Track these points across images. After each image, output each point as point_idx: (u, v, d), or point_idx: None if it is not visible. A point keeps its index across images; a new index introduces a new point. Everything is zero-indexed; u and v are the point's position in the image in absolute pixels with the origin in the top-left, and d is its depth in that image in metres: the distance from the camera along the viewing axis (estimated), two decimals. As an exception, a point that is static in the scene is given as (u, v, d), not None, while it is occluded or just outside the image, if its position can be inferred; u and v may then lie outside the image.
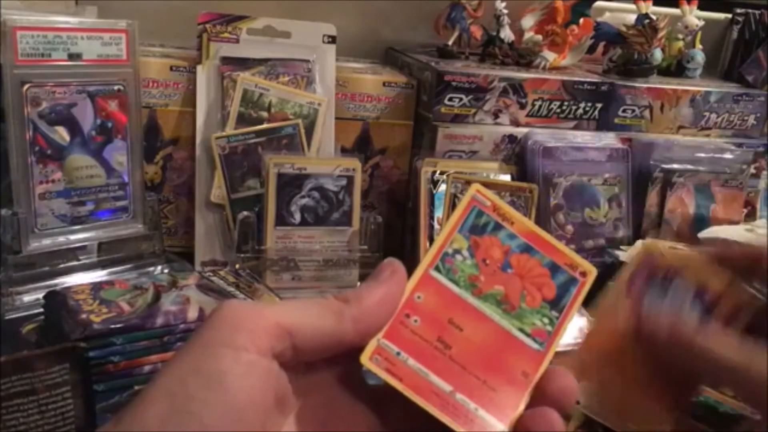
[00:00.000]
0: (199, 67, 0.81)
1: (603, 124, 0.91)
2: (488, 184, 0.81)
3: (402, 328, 0.32)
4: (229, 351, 0.27)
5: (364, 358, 0.31)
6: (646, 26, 0.94)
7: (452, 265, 0.33)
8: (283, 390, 0.29)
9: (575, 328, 0.75)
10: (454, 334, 0.32)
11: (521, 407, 0.31)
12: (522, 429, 0.31)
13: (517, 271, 0.33)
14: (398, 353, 0.31)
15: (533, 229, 0.34)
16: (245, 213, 0.77)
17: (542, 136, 0.86)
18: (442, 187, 0.81)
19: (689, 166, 0.90)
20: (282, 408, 0.29)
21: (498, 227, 0.33)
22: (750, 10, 1.09)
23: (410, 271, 0.33)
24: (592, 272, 0.33)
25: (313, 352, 0.30)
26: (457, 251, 0.33)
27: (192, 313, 0.55)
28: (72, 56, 0.68)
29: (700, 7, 1.01)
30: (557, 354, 0.33)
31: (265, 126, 0.81)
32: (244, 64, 0.82)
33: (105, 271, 0.73)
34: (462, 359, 0.32)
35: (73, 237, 0.71)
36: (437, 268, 0.33)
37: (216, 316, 0.28)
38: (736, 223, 0.90)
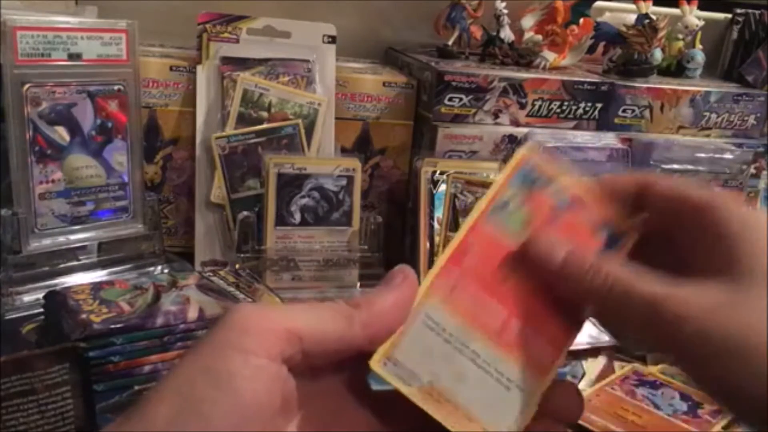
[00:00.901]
0: (199, 67, 0.81)
1: (603, 124, 0.91)
2: (488, 185, 0.81)
3: None
4: (239, 354, 0.27)
5: (374, 363, 0.31)
6: (646, 26, 0.94)
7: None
8: (289, 394, 0.29)
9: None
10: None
11: (532, 411, 0.31)
12: None
13: (564, 228, 0.33)
14: None
15: (581, 187, 0.34)
16: (245, 213, 0.77)
17: (542, 136, 0.86)
18: (442, 187, 0.81)
19: (689, 166, 0.90)
20: (287, 412, 0.29)
21: (547, 183, 0.34)
22: (750, 10, 1.09)
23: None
24: (635, 233, 0.33)
25: (323, 356, 0.30)
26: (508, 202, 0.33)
27: (192, 313, 0.55)
28: (72, 56, 0.68)
29: (700, 7, 1.01)
30: None
31: (265, 126, 0.81)
32: (244, 64, 0.82)
33: (105, 271, 0.73)
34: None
35: (73, 237, 0.71)
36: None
37: (227, 320, 0.28)
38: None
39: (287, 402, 0.29)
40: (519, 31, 0.95)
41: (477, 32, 0.95)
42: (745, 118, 0.97)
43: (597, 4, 0.97)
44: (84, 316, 0.52)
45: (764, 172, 0.97)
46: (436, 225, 0.81)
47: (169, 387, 0.27)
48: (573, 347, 0.79)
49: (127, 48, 0.71)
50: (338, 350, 0.30)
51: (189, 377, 0.27)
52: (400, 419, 0.32)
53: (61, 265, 0.71)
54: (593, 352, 0.73)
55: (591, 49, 0.98)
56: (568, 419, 0.32)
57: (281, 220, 0.77)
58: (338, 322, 0.30)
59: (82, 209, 0.72)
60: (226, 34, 0.82)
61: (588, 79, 0.90)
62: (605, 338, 0.74)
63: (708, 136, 0.96)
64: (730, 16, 1.11)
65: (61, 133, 0.69)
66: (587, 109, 0.90)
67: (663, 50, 1.00)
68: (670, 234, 0.32)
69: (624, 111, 0.92)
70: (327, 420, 0.31)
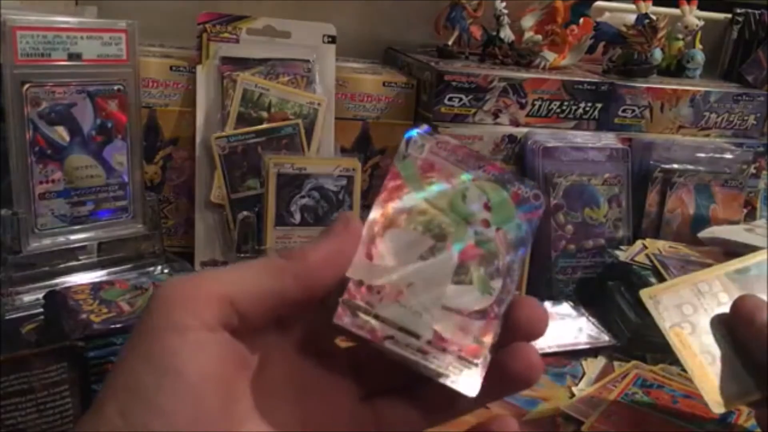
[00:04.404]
0: (199, 67, 0.81)
1: (603, 124, 0.91)
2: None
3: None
4: (174, 332, 0.26)
5: (336, 319, 0.29)
6: (646, 26, 0.94)
7: None
8: (241, 361, 0.28)
9: (575, 327, 0.75)
10: None
11: (494, 334, 0.30)
12: (503, 367, 0.30)
13: None
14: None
15: None
16: (245, 213, 0.77)
17: (542, 136, 0.86)
18: (442, 187, 0.81)
19: (689, 166, 0.90)
20: (244, 379, 0.28)
21: None
22: (750, 10, 1.09)
23: None
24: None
25: (260, 315, 0.28)
26: None
27: (191, 313, 0.55)
28: (72, 56, 0.68)
29: (700, 7, 1.01)
30: None
31: (265, 126, 0.81)
32: (244, 64, 0.82)
33: (105, 271, 0.73)
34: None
35: (73, 237, 0.71)
36: None
37: (155, 300, 0.27)
38: (736, 223, 0.90)
39: (243, 367, 0.28)
40: (519, 31, 0.95)
41: (477, 32, 0.95)
42: (745, 118, 0.97)
43: (597, 4, 0.97)
44: (84, 316, 0.52)
45: (764, 172, 0.97)
46: (435, 225, 0.81)
47: (116, 382, 0.26)
48: (573, 347, 0.78)
49: (127, 48, 0.71)
50: (273, 306, 0.28)
51: (131, 368, 0.26)
52: (370, 368, 0.31)
53: (61, 265, 0.71)
54: (593, 352, 0.73)
55: (591, 49, 0.98)
56: (533, 335, 0.30)
57: (281, 220, 0.77)
58: (268, 277, 0.28)
59: (82, 209, 0.72)
60: (226, 34, 0.82)
61: (588, 79, 0.90)
62: (605, 338, 0.74)
63: (708, 136, 0.96)
64: (730, 16, 1.11)
65: (61, 133, 0.69)
66: (587, 109, 0.90)
67: (663, 50, 1.00)
68: None
69: (624, 111, 0.92)
70: (295, 380, 0.30)
